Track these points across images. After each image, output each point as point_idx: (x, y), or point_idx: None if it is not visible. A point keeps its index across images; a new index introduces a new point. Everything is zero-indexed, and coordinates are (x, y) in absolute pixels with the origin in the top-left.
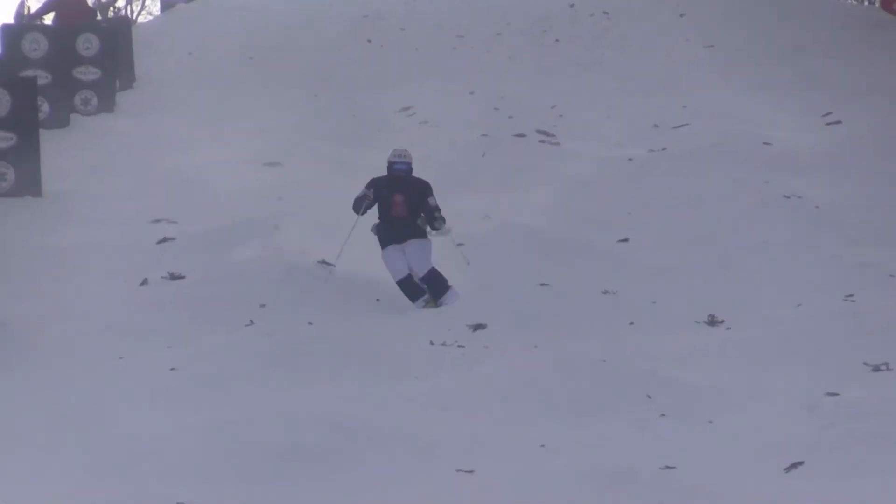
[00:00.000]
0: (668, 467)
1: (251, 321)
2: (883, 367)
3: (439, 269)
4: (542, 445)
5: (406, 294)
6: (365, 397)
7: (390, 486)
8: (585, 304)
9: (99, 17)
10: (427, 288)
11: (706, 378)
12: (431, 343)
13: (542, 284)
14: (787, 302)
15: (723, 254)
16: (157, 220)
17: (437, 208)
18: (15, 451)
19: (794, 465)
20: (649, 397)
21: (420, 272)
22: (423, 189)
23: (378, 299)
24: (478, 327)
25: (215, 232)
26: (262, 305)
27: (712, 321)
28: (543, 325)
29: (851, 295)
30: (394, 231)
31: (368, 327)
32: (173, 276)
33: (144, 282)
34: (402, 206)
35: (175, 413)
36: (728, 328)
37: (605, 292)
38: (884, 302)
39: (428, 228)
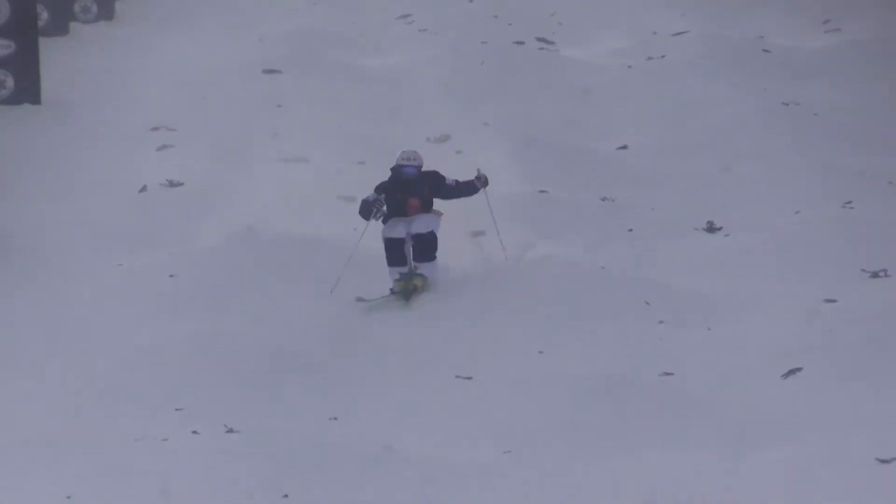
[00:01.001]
0: (666, 374)
1: (250, 227)
2: (881, 274)
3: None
4: (541, 352)
5: (386, 254)
6: (358, 308)
7: (388, 391)
8: (584, 210)
9: None
10: (412, 249)
11: (704, 285)
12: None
13: (540, 191)
14: (786, 209)
15: (721, 161)
16: (156, 128)
17: (458, 182)
18: (17, 357)
19: (791, 371)
20: (648, 304)
21: (419, 230)
22: (437, 180)
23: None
24: (477, 234)
25: (214, 140)
26: (264, 206)
27: (711, 228)
28: (542, 230)
29: (850, 202)
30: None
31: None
32: (172, 184)
33: (143, 188)
34: (418, 208)
35: (174, 320)
36: (726, 235)
37: (604, 199)
38: (882, 209)
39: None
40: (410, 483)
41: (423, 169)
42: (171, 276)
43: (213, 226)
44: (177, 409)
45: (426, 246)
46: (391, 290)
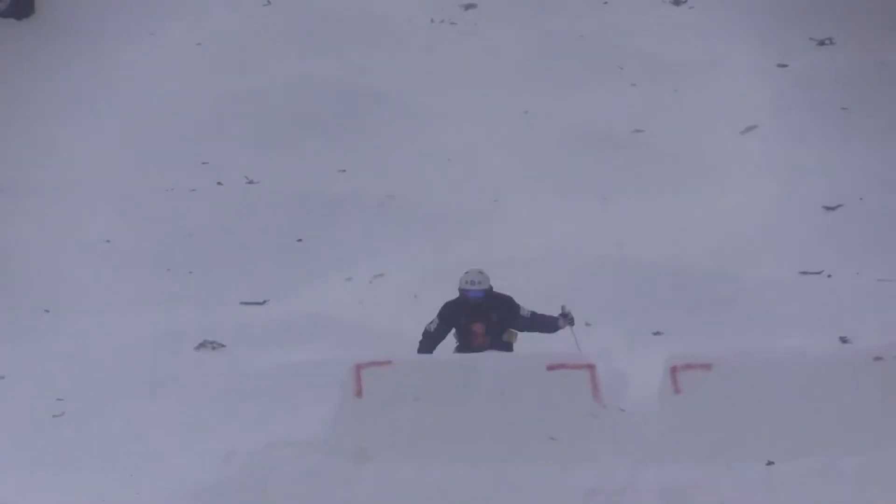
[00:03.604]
0: (637, 130)
1: (268, 1)
2: (827, 42)
3: None
4: (526, 112)
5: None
6: (369, 69)
7: (389, 147)
8: None
9: None
10: None
11: (671, 51)
12: (432, 21)
13: None
14: None
15: None
16: None
17: (535, 315)
18: (62, 122)
19: (749, 128)
20: (621, 69)
21: None
22: (510, 309)
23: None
24: (469, 6)
25: None
26: None
27: (677, 1)
28: (524, 2)
29: None
30: None
31: (371, 6)
32: None
33: None
34: (483, 337)
35: (201, 84)
36: (691, 6)
37: None
38: None
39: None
40: (411, 227)
41: (495, 290)
42: (197, 44)
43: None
44: (203, 163)
45: None
46: None
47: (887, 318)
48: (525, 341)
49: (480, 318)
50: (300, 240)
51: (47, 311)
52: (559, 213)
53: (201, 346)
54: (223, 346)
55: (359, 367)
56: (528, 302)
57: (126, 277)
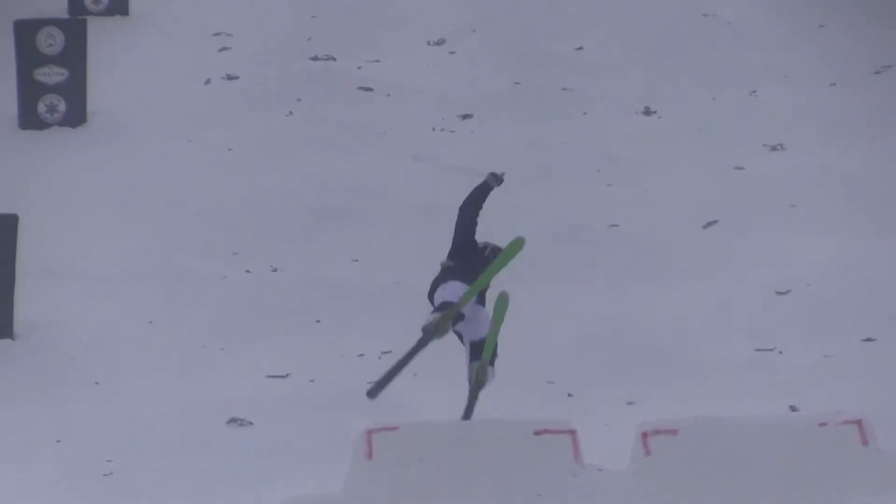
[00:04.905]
0: (613, 225)
1: (290, 112)
2: (778, 147)
3: None
4: (515, 207)
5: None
6: (378, 169)
7: (396, 237)
8: (548, 97)
9: None
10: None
11: (642, 155)
12: (433, 129)
13: (515, 83)
14: (705, 95)
15: (657, 56)
16: (217, 33)
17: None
18: (103, 205)
19: (710, 223)
20: (598, 171)
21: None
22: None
23: (388, 94)
24: (465, 116)
25: (263, 43)
26: (299, 100)
27: (647, 111)
28: (515, 113)
29: (755, 91)
30: None
31: (380, 113)
32: (230, 77)
33: (208, 81)
34: None
35: (232, 183)
36: (659, 117)
37: (564, 89)
38: (782, 93)
39: None
40: (415, 310)
41: None
42: (229, 149)
43: (261, 110)
44: (233, 254)
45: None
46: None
47: (832, 389)
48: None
49: None
50: (318, 321)
51: (97, 383)
52: (545, 295)
53: (231, 420)
54: (251, 423)
55: (370, 433)
56: (516, 376)
57: (166, 353)
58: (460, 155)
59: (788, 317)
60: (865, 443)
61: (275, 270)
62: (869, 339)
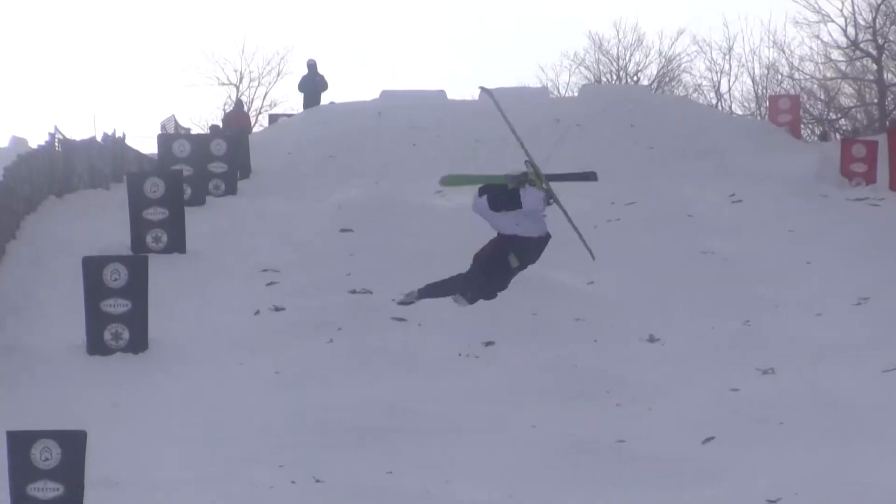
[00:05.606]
0: (620, 441)
1: (331, 339)
2: (769, 371)
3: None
4: (534, 426)
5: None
6: (409, 391)
7: (425, 450)
8: (563, 329)
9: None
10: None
11: (646, 377)
12: (459, 354)
13: (533, 314)
14: (704, 324)
15: (661, 290)
16: (265, 270)
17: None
18: (167, 430)
19: (708, 439)
20: (608, 392)
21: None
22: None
23: (420, 324)
24: (489, 343)
25: (306, 278)
26: (339, 329)
27: (651, 339)
28: (536, 337)
29: (748, 321)
30: None
31: (412, 341)
32: (277, 308)
33: (257, 312)
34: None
35: (278, 402)
36: (662, 344)
37: (577, 319)
38: (773, 323)
39: None
40: None
41: None
42: (276, 372)
43: (305, 338)
44: (280, 466)
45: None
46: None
47: None
48: None
49: None
50: None
51: None
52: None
53: None
54: None
55: None
56: None
57: None
58: (483, 378)
59: None
60: None
61: (318, 482)
62: None
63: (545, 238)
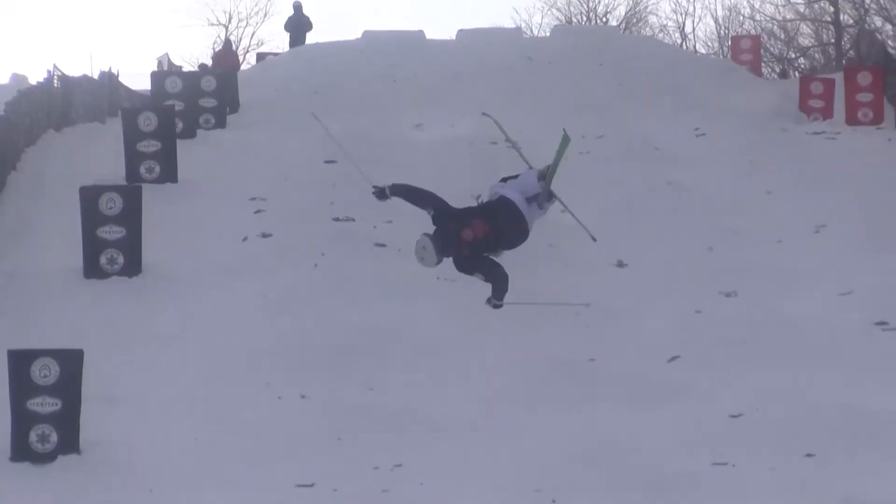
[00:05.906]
0: (591, 359)
1: (315, 265)
2: (732, 294)
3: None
4: (508, 346)
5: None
6: (394, 314)
7: (405, 369)
8: (536, 256)
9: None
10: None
11: (614, 301)
12: (437, 278)
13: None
14: (668, 250)
15: (629, 218)
16: (252, 198)
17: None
18: (155, 342)
19: (674, 358)
20: (577, 314)
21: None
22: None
23: (399, 250)
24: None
25: (292, 207)
26: (323, 254)
27: (619, 264)
28: (510, 263)
29: (712, 247)
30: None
31: (392, 266)
32: (264, 235)
33: (245, 238)
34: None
35: (263, 324)
36: (630, 269)
37: (550, 245)
38: (735, 249)
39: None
40: (426, 434)
41: None
42: (263, 296)
43: (291, 263)
44: (267, 383)
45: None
46: None
47: (777, 497)
48: None
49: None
50: (339, 438)
51: (151, 490)
52: (539, 418)
53: None
54: None
55: None
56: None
57: (210, 467)
58: (460, 301)
59: (740, 436)
60: None
61: (303, 397)
62: (809, 455)
63: (525, 230)
